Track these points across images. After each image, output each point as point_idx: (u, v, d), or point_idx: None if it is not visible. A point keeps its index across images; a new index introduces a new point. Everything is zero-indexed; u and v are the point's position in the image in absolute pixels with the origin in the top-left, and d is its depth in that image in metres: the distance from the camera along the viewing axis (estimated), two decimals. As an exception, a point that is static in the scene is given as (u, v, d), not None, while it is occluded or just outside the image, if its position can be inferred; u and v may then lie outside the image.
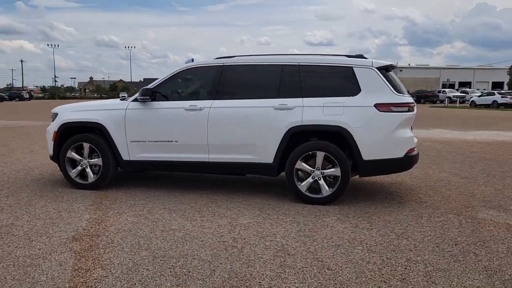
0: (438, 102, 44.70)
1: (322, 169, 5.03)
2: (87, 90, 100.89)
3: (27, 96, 61.63)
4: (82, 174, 5.75)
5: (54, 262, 3.38)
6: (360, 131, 4.89)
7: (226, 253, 3.58)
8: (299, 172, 5.13)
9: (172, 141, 5.43)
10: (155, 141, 5.49)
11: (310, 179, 5.07)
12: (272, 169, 5.19)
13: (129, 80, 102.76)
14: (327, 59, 5.28)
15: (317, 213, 4.71)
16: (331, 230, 4.16)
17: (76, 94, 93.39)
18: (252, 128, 5.17)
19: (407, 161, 5.05)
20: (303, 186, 5.08)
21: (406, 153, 4.99)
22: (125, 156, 5.58)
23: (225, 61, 5.49)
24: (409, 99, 5.08)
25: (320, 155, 5.00)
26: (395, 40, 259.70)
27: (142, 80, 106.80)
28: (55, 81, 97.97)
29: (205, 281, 3.06)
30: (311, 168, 5.05)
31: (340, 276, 3.18)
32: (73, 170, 5.74)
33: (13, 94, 61.77)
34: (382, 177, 6.58)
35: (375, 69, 5.02)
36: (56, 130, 5.76)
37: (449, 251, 3.66)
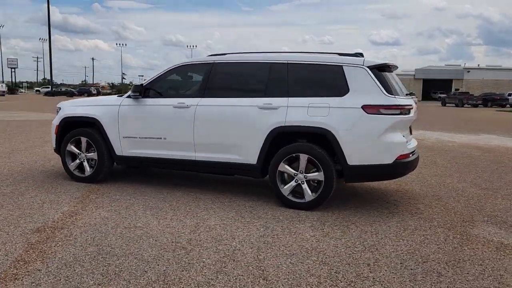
0: (507, 106, 41.56)
1: (305, 173, 4.78)
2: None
3: (94, 92, 65.30)
4: (81, 167, 5.91)
5: (2, 252, 3.47)
6: (345, 134, 4.58)
7: (171, 254, 3.48)
8: (285, 175, 4.92)
9: (161, 138, 5.43)
10: (146, 138, 5.52)
11: (293, 183, 4.84)
12: (256, 171, 5.01)
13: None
14: (316, 57, 5.01)
15: (294, 219, 4.47)
16: (295, 238, 3.93)
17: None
18: (237, 128, 5.03)
19: (397, 168, 4.66)
20: (285, 189, 4.86)
21: (396, 159, 4.60)
22: (118, 151, 5.66)
23: (216, 59, 5.39)
24: (402, 101, 4.68)
25: (303, 158, 4.76)
26: (467, 39, 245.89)
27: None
28: (123, 78, 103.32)
29: (129, 282, 2.99)
30: (295, 171, 4.82)
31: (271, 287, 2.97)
32: (72, 163, 5.92)
33: (82, 90, 65.86)
34: (387, 184, 6.16)
35: (366, 68, 4.68)
36: (58, 124, 5.97)
37: (412, 269, 3.31)
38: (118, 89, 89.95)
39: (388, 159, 4.59)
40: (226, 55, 5.44)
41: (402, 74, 64.92)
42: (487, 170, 7.50)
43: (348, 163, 4.60)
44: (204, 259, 3.40)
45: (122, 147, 5.64)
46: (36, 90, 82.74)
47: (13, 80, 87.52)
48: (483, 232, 4.23)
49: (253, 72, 5.20)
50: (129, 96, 5.61)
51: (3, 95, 37.60)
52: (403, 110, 4.65)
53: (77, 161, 5.89)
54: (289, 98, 4.85)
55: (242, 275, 3.14)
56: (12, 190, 5.37)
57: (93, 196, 5.20)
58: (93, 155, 5.78)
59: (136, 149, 5.58)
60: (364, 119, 4.55)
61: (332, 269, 3.28)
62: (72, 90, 63.62)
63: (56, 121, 6.03)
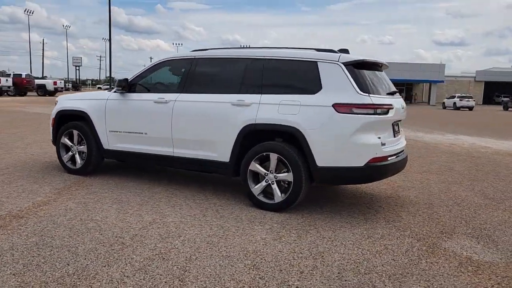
0: None
1: (276, 173, 4.59)
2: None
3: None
4: (73, 160, 6.07)
5: (-50, 236, 3.60)
6: (314, 134, 4.35)
7: (105, 249, 3.45)
8: (257, 175, 4.75)
9: (142, 133, 5.44)
10: (129, 132, 5.56)
11: (263, 183, 4.67)
12: (229, 169, 4.89)
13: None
14: (292, 53, 4.79)
15: (256, 220, 4.31)
16: (244, 240, 3.76)
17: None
18: (211, 124, 4.93)
19: (369, 172, 4.35)
20: (256, 189, 4.69)
21: (369, 162, 4.30)
22: (105, 145, 5.75)
23: (197, 54, 5.32)
24: (377, 100, 4.36)
25: (273, 157, 4.57)
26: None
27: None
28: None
29: (45, 274, 2.98)
30: (265, 171, 4.64)
31: (182, 289, 2.85)
32: (66, 155, 6.09)
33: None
34: (384, 188, 5.80)
35: (341, 65, 4.41)
36: (54, 117, 6.17)
37: (345, 281, 3.05)
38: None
39: (359, 162, 4.29)
40: (207, 51, 5.36)
41: (460, 76, 61.73)
42: (507, 179, 6.87)
43: (317, 164, 4.36)
44: (134, 256, 3.34)
45: (109, 141, 5.71)
46: (98, 87, 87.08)
47: (78, 78, 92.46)
48: (455, 245, 3.84)
49: (231, 68, 5.07)
50: (116, 91, 5.68)
51: (62, 91, 39.93)
52: (379, 109, 4.33)
53: (70, 153, 6.05)
54: (262, 95, 4.68)
55: (161, 275, 3.04)
56: (3, 179, 5.61)
57: (74, 188, 5.31)
58: (83, 148, 5.91)
59: (121, 143, 5.64)
60: (334, 118, 4.29)
61: (259, 275, 3.09)
62: None
63: (53, 114, 6.23)
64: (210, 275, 3.06)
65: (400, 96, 5.24)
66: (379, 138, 4.41)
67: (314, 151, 4.35)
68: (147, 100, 5.39)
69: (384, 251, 3.63)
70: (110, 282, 2.90)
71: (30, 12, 75.69)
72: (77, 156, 5.99)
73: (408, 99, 55.71)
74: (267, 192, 4.67)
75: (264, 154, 4.61)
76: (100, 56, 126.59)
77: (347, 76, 4.35)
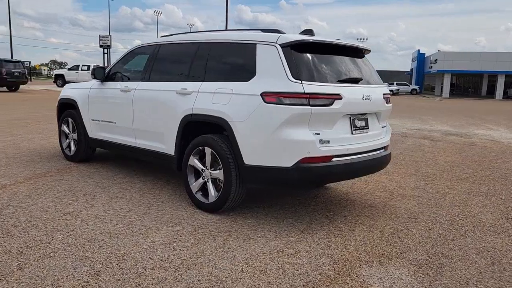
0: None
1: (211, 170, 4.13)
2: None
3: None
4: (70, 147, 6.26)
5: None
6: (241, 126, 3.78)
7: (33, 243, 3.40)
8: (199, 171, 4.33)
9: (113, 122, 5.37)
10: (104, 121, 5.53)
11: (200, 180, 4.24)
12: (174, 163, 4.54)
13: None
14: (234, 35, 4.24)
15: (181, 219, 3.91)
16: (137, 239, 3.41)
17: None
18: (159, 114, 4.64)
19: (299, 174, 3.63)
20: (194, 186, 4.29)
21: (299, 162, 3.59)
22: (90, 133, 5.81)
23: (161, 40, 5.05)
24: (315, 88, 3.60)
25: (208, 152, 4.11)
26: None
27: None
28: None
29: None
30: (202, 167, 4.21)
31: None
32: (64, 142, 6.32)
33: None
34: (381, 194, 4.90)
35: (278, 47, 3.76)
36: (57, 105, 6.44)
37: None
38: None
39: (287, 162, 3.62)
40: (171, 36, 5.06)
41: None
42: None
43: (245, 162, 3.79)
44: (22, 241, 3.24)
45: (92, 129, 5.76)
46: None
47: None
48: (377, 274, 3.00)
49: (183, 53, 4.69)
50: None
51: None
52: (315, 100, 3.59)
53: (67, 140, 6.26)
54: (203, 83, 4.24)
55: (25, 253, 2.86)
56: (2, 163, 6.01)
57: (50, 174, 5.45)
58: (75, 135, 6.06)
59: (101, 132, 5.64)
60: (261, 109, 3.68)
61: (102, 278, 2.74)
62: None
63: (57, 102, 6.51)
64: (76, 279, 2.79)
65: (380, 85, 4.35)
66: (317, 134, 3.66)
67: (241, 147, 3.79)
68: (116, 89, 5.28)
69: (276, 271, 2.98)
70: None
71: (158, 13, 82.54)
72: (71, 143, 6.17)
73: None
74: (205, 190, 4.23)
75: (201, 148, 4.17)
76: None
77: (281, 59, 3.69)
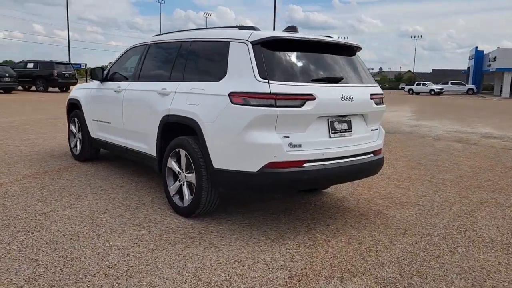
0: None
1: (186, 173, 3.99)
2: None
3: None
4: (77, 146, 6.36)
5: None
6: (210, 128, 3.61)
7: (-47, 234, 3.46)
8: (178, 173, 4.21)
9: (108, 122, 5.37)
10: (101, 121, 5.55)
11: (177, 182, 4.11)
12: (155, 164, 4.45)
13: (419, 71, 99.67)
14: (210, 34, 4.09)
15: (151, 223, 3.81)
16: (88, 244, 3.34)
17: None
18: (143, 114, 4.57)
19: (264, 180, 3.39)
20: (172, 189, 4.17)
21: (265, 167, 3.37)
22: (91, 133, 5.87)
23: (152, 40, 4.98)
24: (283, 88, 3.35)
25: (183, 154, 3.98)
26: None
27: (431, 71, 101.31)
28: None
29: None
30: (179, 170, 4.08)
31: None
32: (72, 142, 6.44)
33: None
34: (380, 201, 4.56)
35: (249, 44, 3.56)
36: (66, 104, 6.58)
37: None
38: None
39: (252, 166, 3.40)
40: (162, 35, 4.97)
41: None
42: None
43: (214, 165, 3.61)
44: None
45: (93, 129, 5.81)
46: None
47: None
48: (330, 292, 2.73)
49: (169, 53, 4.58)
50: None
51: None
52: (282, 100, 3.35)
53: (74, 139, 6.37)
54: (181, 83, 4.11)
55: None
56: (10, 161, 6.20)
57: (51, 172, 5.55)
58: (80, 135, 6.15)
59: (99, 132, 5.68)
60: (228, 110, 3.49)
61: (34, 273, 2.68)
62: None
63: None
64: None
65: (368, 84, 4.02)
66: (286, 137, 3.41)
67: (210, 150, 3.62)
68: (110, 89, 5.28)
69: (222, 283, 2.79)
70: None
71: (208, 15, 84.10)
72: (77, 143, 6.27)
73: None
74: (182, 193, 4.09)
75: (177, 150, 4.05)
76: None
77: (250, 58, 3.48)
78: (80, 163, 6.12)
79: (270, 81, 3.35)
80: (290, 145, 3.41)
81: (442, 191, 5.21)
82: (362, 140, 3.93)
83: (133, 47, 5.33)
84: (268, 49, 3.52)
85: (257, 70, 3.40)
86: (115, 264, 3.01)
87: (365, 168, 3.92)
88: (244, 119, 3.37)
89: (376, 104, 4.05)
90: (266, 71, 3.39)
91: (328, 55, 3.84)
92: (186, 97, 3.90)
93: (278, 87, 3.35)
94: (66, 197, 4.50)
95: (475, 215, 4.35)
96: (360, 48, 4.14)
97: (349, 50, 4.06)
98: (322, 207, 4.44)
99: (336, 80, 3.71)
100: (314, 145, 3.53)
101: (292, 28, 4.01)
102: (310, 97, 3.42)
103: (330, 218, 4.13)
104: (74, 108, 6.37)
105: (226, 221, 3.95)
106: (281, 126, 3.39)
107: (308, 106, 3.42)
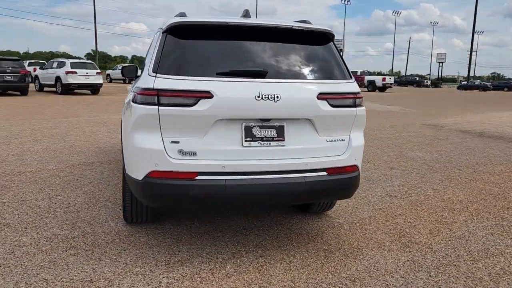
0: None
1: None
2: None
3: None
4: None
5: None
6: (123, 130, 3.34)
7: None
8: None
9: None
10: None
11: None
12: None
13: None
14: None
15: (99, 228, 3.66)
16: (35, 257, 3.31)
17: None
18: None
19: (146, 191, 2.90)
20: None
21: (148, 176, 2.87)
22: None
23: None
24: (170, 83, 2.80)
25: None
26: None
27: None
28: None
29: None
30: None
31: None
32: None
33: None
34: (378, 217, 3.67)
35: (161, 33, 3.16)
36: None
37: None
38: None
39: (138, 174, 2.94)
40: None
41: None
42: None
43: (126, 170, 3.27)
44: None
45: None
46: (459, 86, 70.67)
47: (439, 75, 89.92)
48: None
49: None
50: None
51: (391, 87, 40.13)
52: (165, 98, 2.82)
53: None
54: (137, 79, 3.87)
55: None
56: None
57: (57, 170, 5.76)
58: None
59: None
60: (129, 108, 3.15)
61: None
62: (486, 83, 61.64)
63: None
64: None
65: (319, 80, 3.17)
66: (175, 142, 2.86)
67: (124, 151, 3.33)
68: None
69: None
70: None
71: (397, 13, 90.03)
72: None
73: None
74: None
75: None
76: (471, 51, 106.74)
77: (157, 48, 3.08)
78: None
79: (157, 75, 2.87)
80: (180, 152, 2.86)
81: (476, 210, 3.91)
82: (307, 152, 3.09)
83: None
84: (177, 38, 3.05)
85: (153, 63, 2.98)
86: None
87: (310, 189, 3.06)
88: (131, 118, 2.98)
89: (334, 106, 3.14)
90: (159, 64, 2.92)
91: (258, 43, 3.14)
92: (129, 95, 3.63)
93: (163, 82, 2.83)
94: (42, 198, 4.58)
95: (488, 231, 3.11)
96: (330, 35, 3.28)
97: (301, 37, 3.25)
98: (302, 233, 3.69)
99: (252, 74, 2.97)
100: (216, 154, 2.89)
101: (181, 15, 3.43)
102: (205, 95, 2.81)
103: (304, 246, 3.40)
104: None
105: (178, 232, 3.58)
106: (169, 129, 2.85)
107: (202, 105, 2.81)
